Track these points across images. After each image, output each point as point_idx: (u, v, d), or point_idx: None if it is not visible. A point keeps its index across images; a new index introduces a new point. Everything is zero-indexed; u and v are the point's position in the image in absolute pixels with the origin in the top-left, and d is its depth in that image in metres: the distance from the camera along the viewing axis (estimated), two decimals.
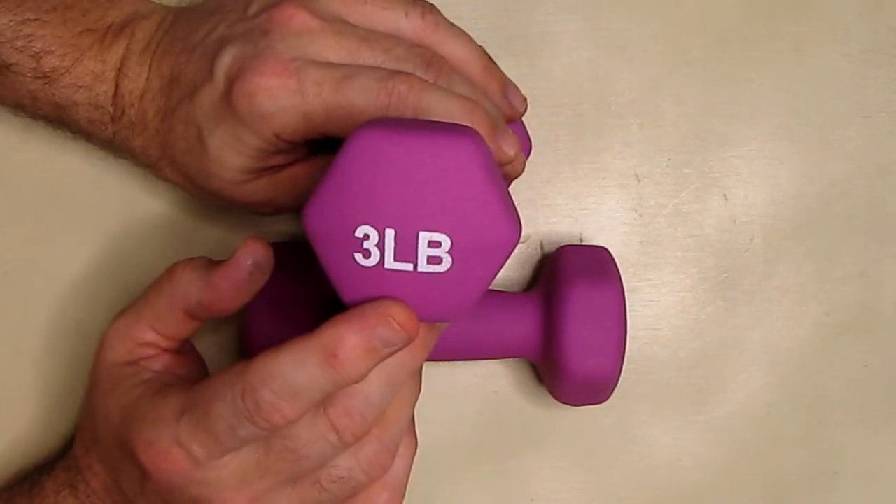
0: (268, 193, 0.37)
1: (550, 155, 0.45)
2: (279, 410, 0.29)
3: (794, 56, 0.46)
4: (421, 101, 0.33)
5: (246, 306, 0.35)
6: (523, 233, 0.44)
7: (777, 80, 0.46)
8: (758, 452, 0.45)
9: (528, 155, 0.41)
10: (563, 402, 0.42)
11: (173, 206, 0.43)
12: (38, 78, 0.37)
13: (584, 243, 0.45)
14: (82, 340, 0.43)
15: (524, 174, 0.37)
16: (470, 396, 0.45)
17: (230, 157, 0.35)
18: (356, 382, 0.30)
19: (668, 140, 0.45)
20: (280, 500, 0.32)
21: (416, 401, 0.33)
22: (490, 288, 0.32)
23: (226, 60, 0.34)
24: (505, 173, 0.36)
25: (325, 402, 0.30)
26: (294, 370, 0.29)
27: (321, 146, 0.37)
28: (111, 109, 0.37)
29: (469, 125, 0.33)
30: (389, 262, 0.29)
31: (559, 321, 0.39)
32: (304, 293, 0.38)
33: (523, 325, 0.40)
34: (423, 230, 0.29)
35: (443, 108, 0.33)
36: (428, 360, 0.33)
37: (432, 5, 0.37)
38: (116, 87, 0.37)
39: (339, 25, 0.35)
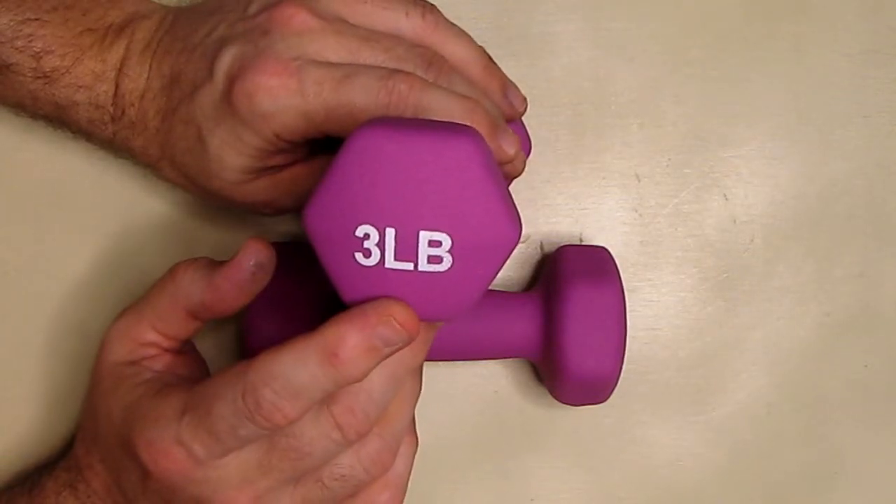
0: (268, 194, 0.37)
1: (550, 155, 0.45)
2: (280, 410, 0.29)
3: (794, 56, 0.46)
4: (421, 99, 0.33)
5: (246, 306, 0.35)
6: (523, 233, 0.44)
7: (777, 80, 0.46)
8: (758, 452, 0.45)
9: (528, 155, 0.41)
10: (563, 402, 0.42)
11: (174, 206, 0.43)
12: (39, 78, 0.37)
13: (584, 243, 0.45)
14: (83, 340, 0.43)
15: (524, 174, 0.37)
16: (470, 396, 0.45)
17: (230, 156, 0.35)
18: (357, 381, 0.30)
19: (668, 140, 0.45)
20: (282, 498, 0.32)
21: (417, 399, 0.33)
22: (490, 288, 0.32)
23: (226, 60, 0.34)
24: (505, 172, 0.36)
25: (328, 400, 0.31)
26: (295, 369, 0.29)
27: (321, 146, 0.37)
28: (111, 109, 0.37)
29: (469, 124, 0.33)
30: (390, 262, 0.29)
31: (559, 321, 0.39)
32: (305, 293, 0.38)
33: (523, 325, 0.40)
34: (423, 229, 0.29)
35: (443, 106, 0.33)
36: (428, 359, 0.34)
37: (433, 5, 0.37)
38: (117, 86, 0.37)
39: (340, 25, 0.35)
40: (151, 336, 0.36)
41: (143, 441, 0.31)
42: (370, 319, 0.29)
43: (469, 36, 0.37)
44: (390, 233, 0.29)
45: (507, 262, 0.42)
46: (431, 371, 0.43)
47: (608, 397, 0.40)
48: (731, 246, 0.45)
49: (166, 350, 0.36)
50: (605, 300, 0.39)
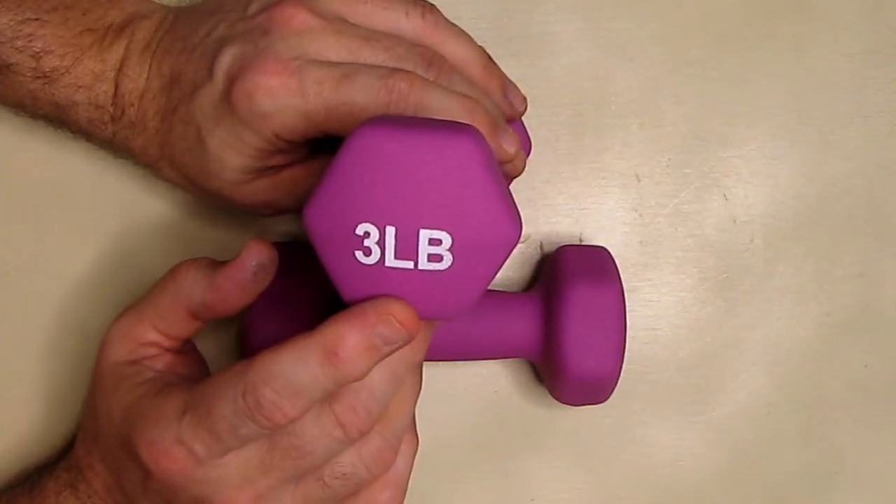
0: (268, 194, 0.37)
1: (550, 155, 0.45)
2: (281, 409, 0.29)
3: (794, 56, 0.46)
4: (422, 98, 0.33)
5: (247, 306, 0.35)
6: (523, 233, 0.44)
7: (777, 80, 0.46)
8: (758, 452, 0.45)
9: (528, 154, 0.41)
10: (563, 402, 0.42)
11: (174, 205, 0.43)
12: (38, 78, 0.37)
13: (584, 243, 0.45)
14: (83, 340, 0.43)
15: (524, 174, 0.37)
16: (470, 396, 0.45)
17: (230, 156, 0.35)
18: (357, 380, 0.30)
19: (668, 140, 0.45)
20: (283, 497, 0.32)
21: (417, 397, 0.33)
22: (490, 288, 0.32)
23: (226, 60, 0.34)
24: (505, 172, 0.36)
25: (329, 398, 0.31)
26: (295, 368, 0.29)
27: (321, 146, 0.37)
28: (111, 109, 0.37)
29: (469, 123, 0.33)
30: (390, 260, 0.29)
31: (559, 321, 0.39)
32: (305, 293, 0.38)
33: (523, 325, 0.40)
34: (423, 228, 0.29)
35: (443, 105, 0.33)
36: (428, 359, 0.34)
37: (432, 5, 0.37)
38: (116, 86, 0.37)
39: (340, 24, 0.35)
40: (152, 336, 0.35)
41: (144, 441, 0.31)
42: (370, 318, 0.29)
43: (469, 36, 0.38)
44: (390, 231, 0.29)
45: (507, 262, 0.42)
46: (431, 371, 0.43)
47: (608, 397, 0.40)
48: (731, 246, 0.45)
49: (167, 350, 0.36)
50: (605, 300, 0.39)
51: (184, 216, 0.43)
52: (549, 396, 0.42)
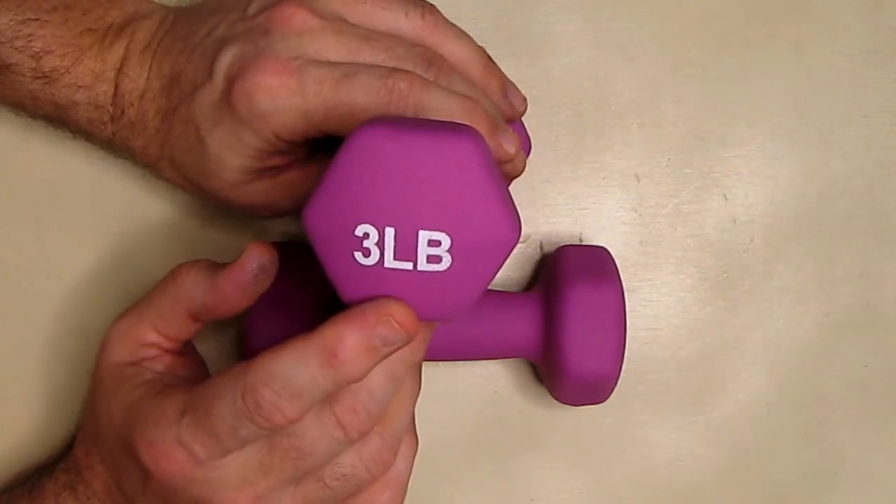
0: (266, 196, 0.37)
1: (550, 155, 0.45)
2: (280, 410, 0.29)
3: (794, 56, 0.46)
4: (421, 98, 0.33)
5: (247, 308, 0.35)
6: (523, 233, 0.45)
7: (777, 80, 0.46)
8: (758, 452, 0.45)
9: (527, 154, 0.41)
10: (563, 402, 0.42)
11: (174, 206, 0.43)
12: (38, 78, 0.37)
13: (584, 243, 0.45)
14: (83, 340, 0.43)
15: (524, 174, 0.37)
16: (470, 396, 0.45)
17: (229, 157, 0.35)
18: (357, 381, 0.30)
19: (668, 140, 0.45)
20: (283, 498, 0.32)
21: (416, 397, 0.33)
22: (490, 288, 0.32)
23: (225, 60, 0.34)
24: (505, 172, 0.36)
25: (329, 399, 0.31)
26: (295, 370, 0.29)
27: (320, 148, 0.37)
28: (111, 109, 0.37)
29: (469, 124, 0.33)
30: (389, 261, 0.29)
31: (559, 321, 0.39)
32: (305, 293, 0.38)
33: (523, 325, 0.40)
34: (422, 229, 0.29)
35: (443, 106, 0.33)
36: (428, 359, 0.33)
37: (432, 5, 0.37)
38: (116, 86, 0.37)
39: (340, 24, 0.35)
40: (152, 337, 0.35)
41: (144, 442, 0.31)
42: (369, 319, 0.29)
43: (469, 36, 0.37)
44: (390, 232, 0.29)
45: (508, 262, 0.42)
46: (431, 371, 0.43)
47: (608, 397, 0.40)
48: (731, 246, 0.45)
49: (167, 351, 0.36)
50: (605, 300, 0.39)
51: (184, 216, 0.43)
52: (549, 396, 0.42)
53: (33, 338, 0.43)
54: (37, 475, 0.38)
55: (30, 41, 0.36)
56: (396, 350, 0.30)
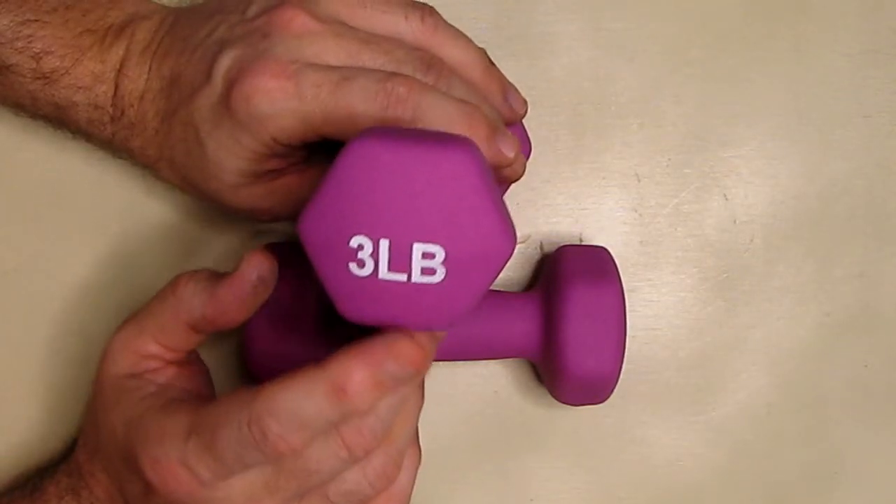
0: (264, 200, 0.37)
1: (550, 155, 0.45)
2: (286, 441, 0.29)
3: (794, 56, 0.46)
4: (420, 103, 0.33)
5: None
6: (523, 233, 0.45)
7: (777, 80, 0.46)
8: (758, 452, 0.45)
9: (528, 157, 0.41)
10: (563, 402, 0.42)
11: (174, 206, 0.43)
12: (38, 79, 0.37)
13: (584, 243, 0.45)
14: (83, 340, 0.43)
15: (524, 174, 0.37)
16: (470, 396, 0.45)
17: (228, 159, 0.35)
18: (363, 412, 0.30)
19: (668, 140, 0.45)
20: None
21: (419, 412, 0.33)
22: (490, 288, 0.32)
23: (224, 63, 0.34)
24: (505, 176, 0.36)
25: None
26: (302, 402, 0.29)
27: (318, 152, 0.37)
28: (111, 110, 0.37)
29: (467, 130, 0.33)
30: (383, 273, 0.29)
31: (559, 321, 0.39)
32: (305, 293, 0.38)
33: (523, 325, 0.40)
34: (417, 241, 0.29)
35: (441, 110, 0.33)
36: None
37: (432, 8, 0.37)
38: (116, 87, 0.37)
39: (339, 28, 0.35)
40: (153, 348, 0.35)
41: (149, 459, 0.31)
42: (377, 356, 0.29)
43: (469, 39, 0.37)
44: (384, 244, 0.29)
45: (508, 261, 0.42)
46: (432, 371, 0.42)
47: (608, 397, 0.40)
48: (731, 246, 0.45)
49: (169, 362, 0.36)
50: (605, 300, 0.39)
51: (183, 217, 0.43)
52: (549, 396, 0.42)
53: (33, 338, 0.43)
54: (38, 477, 0.38)
55: (30, 42, 0.36)
56: (404, 384, 0.30)
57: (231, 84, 0.34)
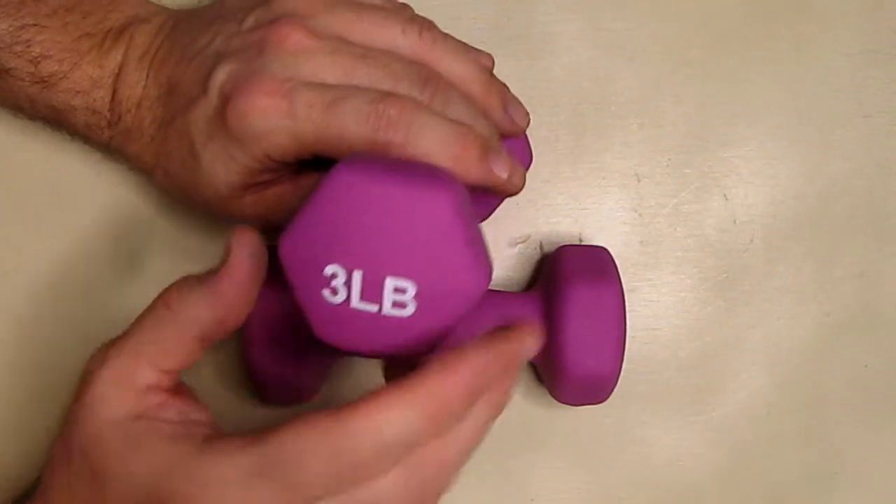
0: (256, 210, 0.37)
1: (550, 155, 0.45)
2: (379, 465, 0.27)
3: (794, 56, 0.46)
4: (411, 125, 0.33)
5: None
6: (523, 233, 0.45)
7: (777, 80, 0.46)
8: (758, 452, 0.45)
9: (528, 166, 0.41)
10: (563, 402, 0.42)
11: (174, 206, 0.43)
12: (37, 82, 0.37)
13: (583, 243, 0.45)
14: (82, 340, 0.42)
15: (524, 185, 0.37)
16: None
17: (221, 172, 0.35)
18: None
19: (668, 140, 0.45)
20: None
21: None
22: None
23: (220, 77, 0.34)
24: (501, 191, 0.36)
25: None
26: (397, 426, 0.27)
27: (311, 163, 0.37)
28: (108, 115, 0.37)
29: (459, 152, 0.33)
30: (355, 302, 0.29)
31: (559, 321, 0.39)
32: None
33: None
34: (389, 276, 0.29)
35: (432, 132, 0.33)
36: None
37: (430, 22, 0.37)
38: (114, 93, 0.37)
39: (335, 44, 0.35)
40: (151, 378, 0.31)
41: None
42: (477, 368, 0.28)
43: (469, 52, 0.37)
44: (357, 275, 0.29)
45: (508, 262, 0.42)
46: None
47: (608, 397, 0.40)
48: (731, 246, 0.45)
49: (167, 391, 0.31)
50: (605, 300, 0.39)
51: (184, 217, 0.43)
52: (549, 396, 0.42)
53: (32, 338, 0.43)
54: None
55: (28, 46, 0.36)
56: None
57: (226, 99, 0.34)
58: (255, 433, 0.28)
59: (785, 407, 0.46)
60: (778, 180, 0.46)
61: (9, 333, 0.43)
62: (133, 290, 0.43)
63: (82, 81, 0.37)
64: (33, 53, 0.36)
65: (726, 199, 0.45)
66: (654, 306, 0.45)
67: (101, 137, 0.38)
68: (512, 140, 0.39)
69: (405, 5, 0.38)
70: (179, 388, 0.32)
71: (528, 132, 0.41)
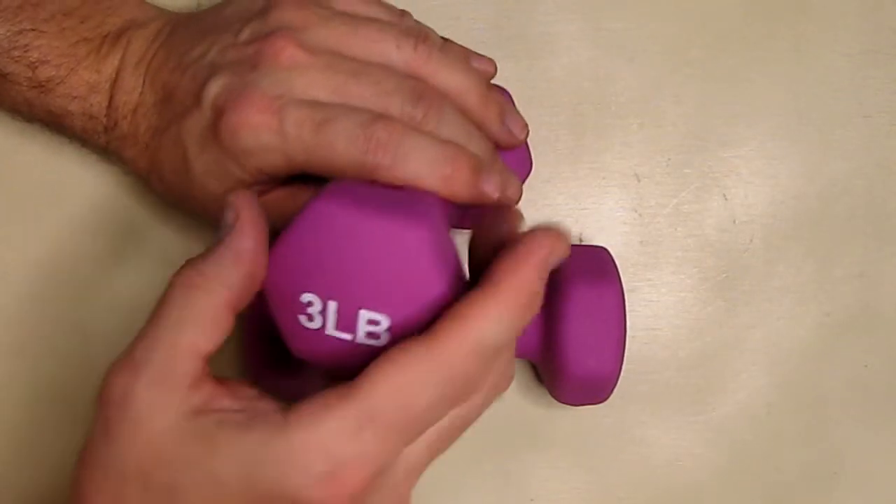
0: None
1: (550, 155, 0.45)
2: (482, 375, 0.28)
3: (794, 56, 0.46)
4: (400, 147, 0.33)
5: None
6: None
7: (777, 80, 0.46)
8: (758, 452, 0.45)
9: (527, 175, 0.41)
10: (563, 402, 0.42)
11: (172, 208, 0.43)
12: (34, 87, 0.37)
13: (584, 243, 0.45)
14: (83, 341, 0.43)
15: (520, 198, 0.37)
16: None
17: (213, 183, 0.35)
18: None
19: (668, 140, 0.45)
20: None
21: None
22: None
23: (213, 90, 0.34)
24: (496, 206, 0.36)
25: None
26: (495, 327, 0.28)
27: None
28: (104, 121, 0.37)
29: (450, 174, 0.33)
30: (330, 330, 0.30)
31: (559, 321, 0.39)
32: None
33: None
34: (363, 308, 0.29)
35: (421, 154, 0.33)
36: None
37: (426, 35, 0.36)
38: (111, 99, 0.37)
39: (329, 59, 0.35)
40: (193, 368, 0.28)
41: (318, 479, 0.26)
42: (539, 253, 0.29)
43: (465, 63, 0.37)
44: (332, 305, 0.29)
45: None
46: None
47: (608, 397, 0.40)
48: (731, 246, 0.45)
49: (211, 382, 0.29)
50: (605, 300, 0.39)
51: (181, 219, 0.43)
52: (549, 396, 0.42)
53: (32, 338, 0.43)
54: None
55: (26, 51, 0.36)
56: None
57: (219, 113, 0.34)
58: (336, 389, 0.27)
59: (785, 407, 0.46)
60: (778, 180, 0.46)
61: (8, 333, 0.43)
62: (132, 290, 0.43)
63: (79, 86, 0.37)
64: (31, 58, 0.36)
65: (726, 199, 0.45)
66: (654, 306, 0.45)
67: (98, 142, 0.38)
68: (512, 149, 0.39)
69: (404, 13, 0.38)
70: (213, 377, 0.30)
71: (530, 149, 0.41)
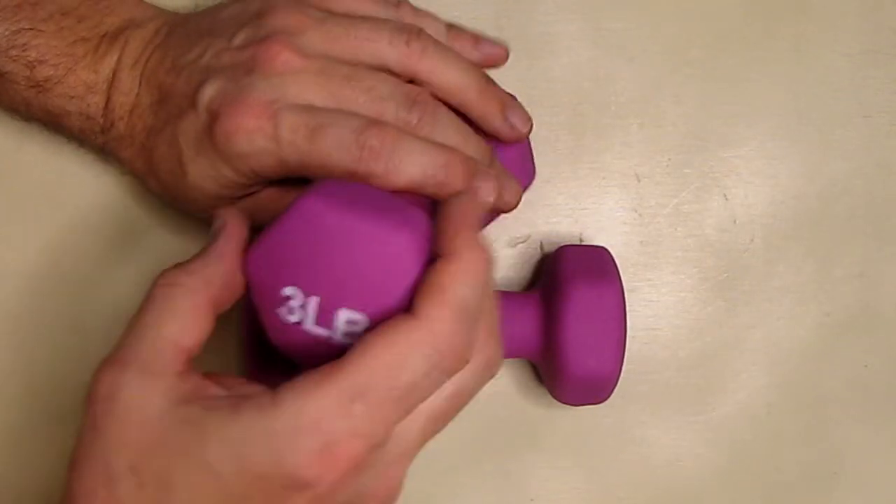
0: (245, 213, 0.37)
1: (550, 155, 0.45)
2: (470, 340, 0.28)
3: (794, 56, 0.46)
4: (393, 154, 0.33)
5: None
6: (523, 233, 0.45)
7: (777, 80, 0.46)
8: (758, 452, 0.45)
9: (530, 181, 0.41)
10: (563, 402, 0.42)
11: (169, 208, 0.43)
12: (32, 87, 0.37)
13: (584, 243, 0.45)
14: (83, 340, 0.43)
15: (518, 203, 0.37)
16: None
17: (208, 185, 0.35)
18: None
19: (668, 140, 0.45)
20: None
21: None
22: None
23: (208, 93, 0.34)
24: (493, 210, 0.36)
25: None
26: (472, 296, 0.28)
27: None
28: (101, 121, 0.37)
29: (443, 180, 0.33)
30: (308, 325, 0.30)
31: (559, 321, 0.39)
32: None
33: (523, 325, 0.40)
34: (343, 307, 0.29)
35: (415, 161, 0.33)
36: None
37: (419, 30, 0.36)
38: (108, 99, 0.37)
39: (323, 64, 0.35)
40: (177, 362, 0.28)
41: (308, 456, 0.26)
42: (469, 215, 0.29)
43: (462, 58, 0.37)
44: (313, 300, 0.29)
45: (508, 261, 0.42)
46: None
47: (608, 397, 0.40)
48: (731, 246, 0.45)
49: (197, 374, 0.29)
50: (605, 300, 0.39)
51: (179, 219, 0.43)
52: (549, 396, 0.42)
53: (32, 338, 0.43)
54: None
55: (24, 50, 0.36)
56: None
57: (214, 117, 0.34)
58: (324, 366, 0.27)
59: (785, 407, 0.46)
60: (778, 180, 0.46)
61: (7, 332, 0.43)
62: (131, 289, 0.43)
63: (77, 86, 0.37)
64: (29, 58, 0.36)
65: (726, 199, 0.45)
66: (654, 306, 0.45)
67: (95, 142, 0.38)
68: (514, 153, 0.39)
69: (401, 4, 0.38)
70: (202, 372, 0.30)
71: (532, 152, 0.41)
